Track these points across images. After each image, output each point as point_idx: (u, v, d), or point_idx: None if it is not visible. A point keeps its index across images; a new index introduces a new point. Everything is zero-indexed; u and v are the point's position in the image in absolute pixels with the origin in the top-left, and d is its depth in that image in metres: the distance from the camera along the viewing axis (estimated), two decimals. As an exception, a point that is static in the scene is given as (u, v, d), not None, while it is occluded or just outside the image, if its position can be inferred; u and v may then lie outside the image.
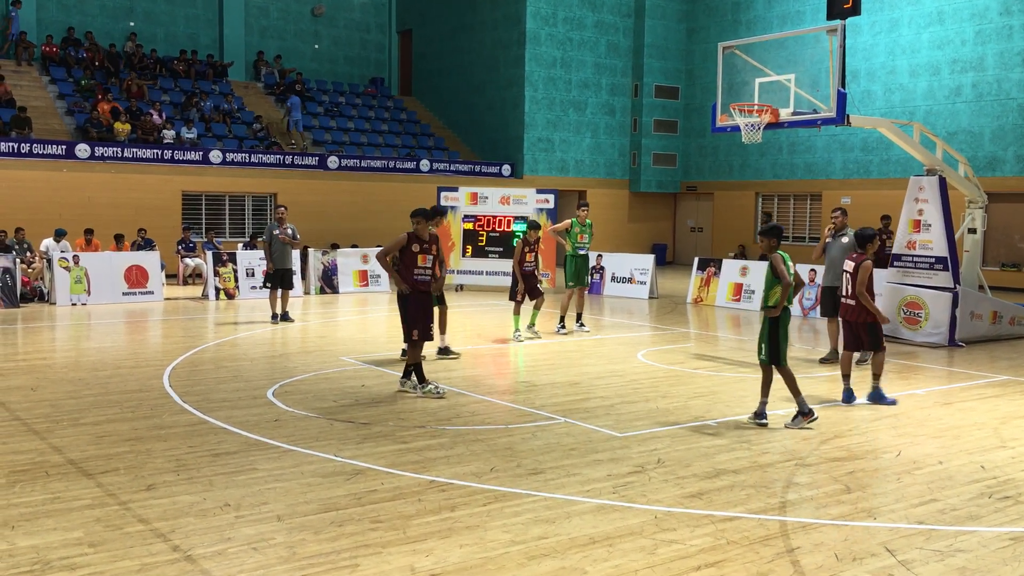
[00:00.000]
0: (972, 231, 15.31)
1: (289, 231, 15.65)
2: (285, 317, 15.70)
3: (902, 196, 14.93)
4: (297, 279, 19.99)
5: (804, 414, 8.51)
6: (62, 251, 18.37)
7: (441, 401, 9.39)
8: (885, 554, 5.41)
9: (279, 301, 15.73)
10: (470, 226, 21.94)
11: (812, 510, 6.20)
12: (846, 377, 9.70)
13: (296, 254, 20.37)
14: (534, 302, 13.95)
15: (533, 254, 13.69)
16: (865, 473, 7.14)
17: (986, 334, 14.50)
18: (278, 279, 15.63)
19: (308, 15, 33.62)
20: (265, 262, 16.11)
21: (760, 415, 8.60)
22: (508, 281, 18.66)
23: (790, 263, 8.55)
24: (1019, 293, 20.27)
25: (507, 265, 19.52)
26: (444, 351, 12.22)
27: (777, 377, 8.64)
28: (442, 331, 12.18)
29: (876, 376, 9.64)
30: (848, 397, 9.55)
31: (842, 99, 13.30)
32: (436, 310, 11.28)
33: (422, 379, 9.76)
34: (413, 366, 9.81)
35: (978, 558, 5.38)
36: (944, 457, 7.60)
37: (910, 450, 7.82)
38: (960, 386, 10.66)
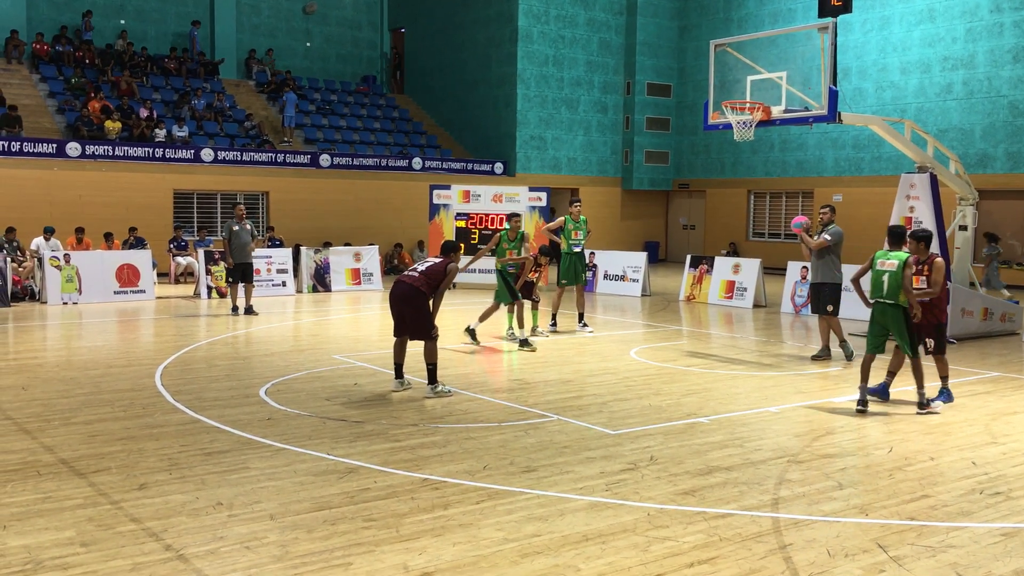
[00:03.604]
0: (963, 228, 15.36)
1: (248, 227, 16.45)
2: (249, 310, 16.27)
3: (893, 193, 14.97)
4: (289, 277, 20.09)
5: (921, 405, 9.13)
6: (52, 250, 18.29)
7: (434, 400, 9.39)
8: (877, 550, 5.43)
9: (241, 295, 16.52)
10: (462, 224, 21.97)
11: (804, 507, 6.22)
12: (891, 374, 9.89)
13: (288, 252, 20.50)
14: (528, 303, 13.79)
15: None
16: (857, 470, 7.16)
17: (977, 331, 14.55)
18: (239, 274, 16.35)
19: (299, 13, 33.51)
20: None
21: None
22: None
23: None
24: (1010, 289, 20.32)
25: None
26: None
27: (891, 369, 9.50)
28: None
29: (931, 382, 9.79)
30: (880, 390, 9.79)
31: (833, 96, 13.32)
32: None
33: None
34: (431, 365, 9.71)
35: (969, 554, 5.41)
36: (935, 453, 7.63)
37: (901, 447, 7.85)
38: (951, 383, 10.67)
